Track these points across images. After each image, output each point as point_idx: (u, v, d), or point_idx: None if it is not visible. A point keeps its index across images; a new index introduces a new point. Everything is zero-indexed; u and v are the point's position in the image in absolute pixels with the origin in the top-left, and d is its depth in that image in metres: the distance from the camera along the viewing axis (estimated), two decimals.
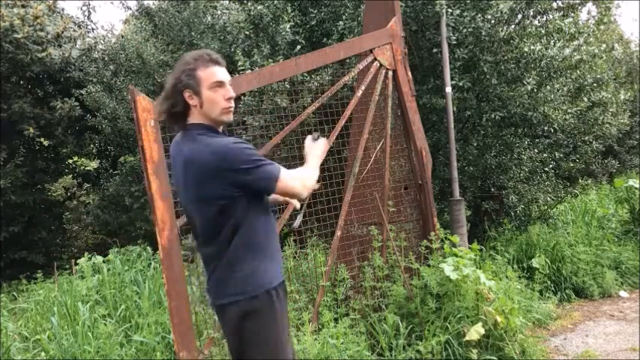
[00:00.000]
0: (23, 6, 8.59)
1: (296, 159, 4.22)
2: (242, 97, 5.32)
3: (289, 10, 6.00)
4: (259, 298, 2.04)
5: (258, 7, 6.06)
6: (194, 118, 2.06)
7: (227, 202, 1.99)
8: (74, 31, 9.63)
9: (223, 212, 1.99)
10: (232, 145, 1.96)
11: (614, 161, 10.50)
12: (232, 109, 2.08)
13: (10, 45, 8.04)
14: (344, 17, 5.92)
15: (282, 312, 2.10)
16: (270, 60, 5.60)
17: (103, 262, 5.52)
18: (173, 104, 2.04)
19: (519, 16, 5.82)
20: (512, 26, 5.93)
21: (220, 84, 2.04)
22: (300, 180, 2.12)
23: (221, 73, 2.06)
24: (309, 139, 2.42)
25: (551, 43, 5.95)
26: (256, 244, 2.06)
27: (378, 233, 4.24)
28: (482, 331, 3.70)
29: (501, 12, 5.56)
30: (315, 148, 2.37)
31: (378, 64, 4.36)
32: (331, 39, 5.89)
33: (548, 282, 5.58)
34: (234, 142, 1.98)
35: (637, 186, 7.49)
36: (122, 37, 9.14)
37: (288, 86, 5.38)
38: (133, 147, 8.22)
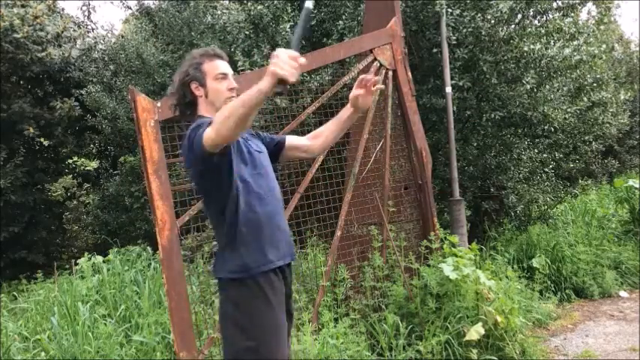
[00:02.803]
0: (23, 6, 8.59)
1: (295, 159, 4.22)
2: None
3: (289, 10, 6.00)
4: (238, 283, 2.12)
5: (258, 7, 6.06)
6: (201, 109, 2.23)
7: (200, 181, 2.14)
8: (74, 31, 9.64)
9: (205, 193, 2.17)
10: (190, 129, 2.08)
11: (614, 161, 10.50)
12: (234, 99, 2.19)
13: (10, 45, 8.04)
14: (344, 17, 5.92)
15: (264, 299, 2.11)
16: (270, 60, 5.60)
17: (103, 262, 5.52)
18: (182, 96, 2.22)
19: (519, 15, 5.82)
20: (512, 26, 5.92)
21: (224, 75, 2.22)
22: (215, 123, 1.93)
23: (224, 66, 2.25)
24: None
25: (551, 42, 5.94)
26: (244, 224, 2.11)
27: (378, 233, 4.24)
28: (482, 331, 3.69)
29: (501, 12, 5.56)
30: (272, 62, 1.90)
31: (378, 64, 4.36)
32: (331, 39, 5.89)
33: (548, 282, 5.57)
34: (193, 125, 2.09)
35: (637, 186, 7.49)
36: (122, 37, 9.14)
37: (287, 86, 5.37)
38: (133, 147, 8.22)
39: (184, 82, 2.21)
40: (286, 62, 1.82)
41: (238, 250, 2.11)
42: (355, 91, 2.39)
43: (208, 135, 1.92)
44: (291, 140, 2.53)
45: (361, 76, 2.39)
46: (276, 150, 2.46)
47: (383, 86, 2.51)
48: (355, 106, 2.41)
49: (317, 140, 2.54)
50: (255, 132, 2.47)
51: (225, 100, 2.19)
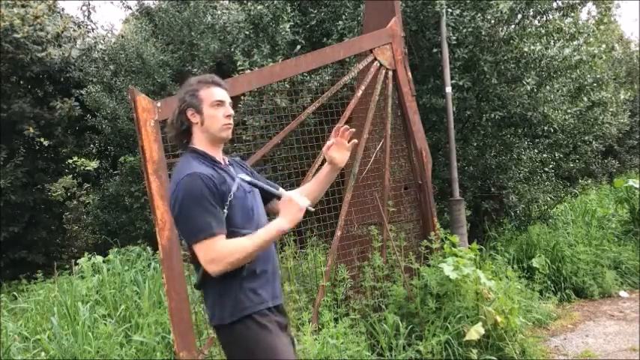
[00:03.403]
0: (23, 6, 8.59)
1: (296, 159, 4.23)
2: (242, 97, 5.32)
3: (289, 10, 6.00)
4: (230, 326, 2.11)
5: (258, 7, 6.06)
6: (196, 136, 2.21)
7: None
8: (74, 30, 9.64)
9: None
10: (183, 180, 2.04)
11: (614, 161, 10.50)
12: (231, 126, 2.21)
13: (10, 45, 8.04)
14: (344, 17, 5.92)
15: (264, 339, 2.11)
16: (269, 60, 5.60)
17: (103, 262, 5.52)
18: (179, 124, 2.21)
19: (519, 16, 5.82)
20: (512, 26, 5.93)
21: (220, 103, 2.19)
22: (216, 256, 2.00)
23: (221, 93, 2.21)
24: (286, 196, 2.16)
25: (551, 43, 5.95)
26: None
27: (378, 233, 4.24)
28: (482, 331, 3.70)
29: (501, 12, 5.56)
30: (283, 215, 2.08)
31: (378, 64, 4.36)
32: (331, 39, 5.89)
33: (548, 282, 5.58)
34: (187, 175, 2.04)
35: (637, 186, 7.49)
36: (122, 37, 9.13)
37: (287, 86, 5.38)
38: (133, 147, 8.22)
39: (181, 109, 2.19)
40: (297, 213, 2.04)
41: (233, 292, 2.10)
42: (328, 142, 2.29)
43: (211, 268, 1.99)
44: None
45: (336, 127, 2.30)
46: (269, 198, 2.36)
47: (356, 141, 2.35)
48: (331, 161, 2.29)
49: None
50: (239, 161, 2.38)
51: (222, 127, 2.17)
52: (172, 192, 2.07)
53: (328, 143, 2.30)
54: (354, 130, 2.32)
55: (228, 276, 2.05)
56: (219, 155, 2.21)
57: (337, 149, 2.29)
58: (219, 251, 1.98)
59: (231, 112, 2.22)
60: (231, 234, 2.05)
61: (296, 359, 2.21)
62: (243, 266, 2.06)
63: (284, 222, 2.04)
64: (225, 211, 2.06)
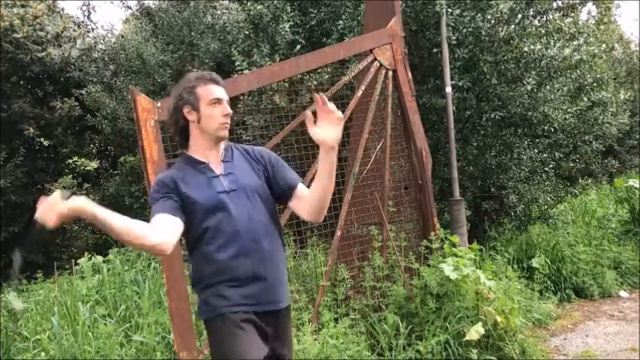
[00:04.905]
0: (23, 6, 8.59)
1: (296, 159, 4.22)
2: (242, 97, 5.32)
3: (289, 10, 6.00)
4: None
5: (258, 7, 6.06)
6: (193, 135, 2.16)
7: None
8: (74, 30, 9.64)
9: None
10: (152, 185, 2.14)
11: (614, 161, 10.49)
12: (228, 125, 2.15)
13: (9, 45, 8.04)
14: (344, 17, 5.92)
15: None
16: (269, 60, 5.60)
17: (103, 262, 5.51)
18: (175, 122, 2.16)
19: (519, 16, 5.82)
20: (512, 26, 5.92)
21: (218, 101, 2.12)
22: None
23: (219, 91, 2.14)
24: None
25: (551, 43, 5.94)
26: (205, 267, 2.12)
27: (378, 233, 4.24)
28: (482, 331, 3.69)
29: (501, 12, 5.56)
30: None
31: (378, 64, 4.36)
32: (331, 39, 5.89)
33: (548, 282, 5.58)
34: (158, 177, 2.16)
35: (637, 186, 7.49)
36: (122, 37, 9.13)
37: (287, 85, 5.38)
38: (133, 147, 8.21)
39: (177, 106, 2.13)
40: None
41: (203, 291, 2.14)
42: (308, 118, 1.96)
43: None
44: (302, 191, 2.18)
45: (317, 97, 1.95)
46: (284, 192, 2.19)
47: (341, 115, 1.91)
48: (323, 142, 1.94)
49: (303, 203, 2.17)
50: (255, 153, 2.23)
51: (219, 125, 2.10)
52: None
53: (310, 118, 1.96)
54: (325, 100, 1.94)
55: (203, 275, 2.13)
56: (214, 153, 2.15)
57: (326, 124, 1.93)
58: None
59: (229, 111, 2.15)
60: (197, 238, 2.09)
61: None
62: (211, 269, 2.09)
63: None
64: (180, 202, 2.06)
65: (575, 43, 6.15)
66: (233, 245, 2.05)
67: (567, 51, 5.93)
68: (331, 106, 1.93)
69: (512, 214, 6.81)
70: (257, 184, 2.15)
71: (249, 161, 2.20)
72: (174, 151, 3.59)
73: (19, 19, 8.14)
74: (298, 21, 6.27)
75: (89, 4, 10.21)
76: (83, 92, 8.29)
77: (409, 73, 4.51)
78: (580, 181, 8.85)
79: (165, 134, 3.48)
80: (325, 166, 2.02)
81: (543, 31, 5.87)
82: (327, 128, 1.93)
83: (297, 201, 2.17)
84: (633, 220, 7.27)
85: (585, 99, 6.57)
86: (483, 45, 5.66)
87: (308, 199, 2.12)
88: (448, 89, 5.19)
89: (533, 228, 6.42)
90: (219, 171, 2.13)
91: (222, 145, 2.19)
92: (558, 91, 6.15)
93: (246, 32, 6.12)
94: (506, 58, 5.76)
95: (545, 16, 5.95)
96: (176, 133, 2.19)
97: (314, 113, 1.99)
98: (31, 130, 8.23)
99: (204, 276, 2.10)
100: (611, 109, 7.12)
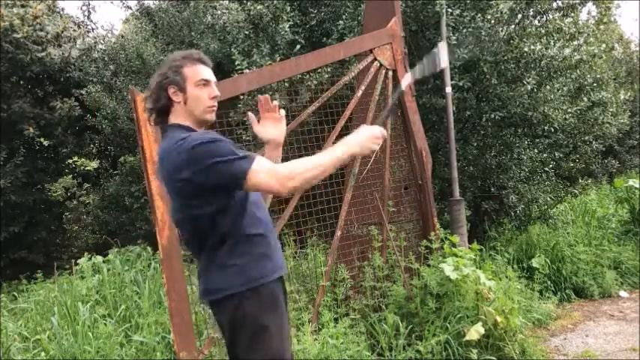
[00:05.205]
0: (23, 6, 8.59)
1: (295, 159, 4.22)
2: (242, 97, 5.32)
3: (289, 10, 6.00)
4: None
5: (258, 7, 6.06)
6: (176, 116, 2.04)
7: (199, 202, 1.94)
8: (74, 30, 9.64)
9: (198, 216, 1.96)
10: (185, 140, 1.90)
11: (614, 161, 10.49)
12: (215, 108, 2.07)
13: (9, 45, 8.05)
14: (344, 17, 5.92)
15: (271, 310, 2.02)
16: (269, 59, 5.60)
17: (103, 262, 5.52)
18: (156, 99, 2.03)
19: (519, 16, 5.82)
20: (512, 26, 5.92)
21: (206, 82, 2.04)
22: (276, 172, 1.86)
23: (207, 72, 2.06)
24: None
25: (551, 43, 5.94)
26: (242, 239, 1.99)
27: (378, 233, 4.24)
28: (482, 331, 3.69)
29: (501, 12, 5.55)
30: (355, 136, 1.96)
31: (378, 64, 4.36)
32: (331, 39, 5.89)
33: (548, 282, 5.57)
34: (199, 138, 1.89)
35: (637, 186, 7.49)
36: (122, 37, 9.13)
37: (287, 85, 5.38)
38: (133, 147, 8.22)
39: (162, 85, 2.02)
40: (373, 141, 1.93)
41: (242, 262, 1.99)
42: (252, 120, 2.07)
43: (268, 183, 1.84)
44: None
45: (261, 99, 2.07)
46: None
47: (284, 111, 2.13)
48: (268, 140, 2.09)
49: None
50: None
51: (206, 108, 2.03)
52: (176, 156, 1.87)
53: (252, 118, 2.07)
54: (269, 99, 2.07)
55: (239, 246, 1.97)
56: None
57: (269, 123, 2.06)
58: (284, 165, 1.87)
59: (217, 93, 2.06)
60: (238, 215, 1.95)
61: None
62: (255, 238, 1.98)
63: (356, 146, 1.92)
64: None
65: (575, 43, 6.15)
66: (263, 212, 2.07)
67: (567, 51, 5.93)
68: (274, 104, 2.05)
69: (512, 214, 6.81)
70: None
71: None
72: None
73: (19, 19, 8.14)
74: (298, 21, 6.27)
75: (89, 4, 10.23)
76: (83, 92, 8.29)
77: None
78: (580, 181, 8.84)
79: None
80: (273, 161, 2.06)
81: (543, 31, 5.87)
82: (269, 127, 2.07)
83: None
84: (633, 220, 7.26)
85: (585, 99, 6.57)
86: (483, 45, 5.66)
87: None
88: (448, 89, 5.18)
89: (533, 228, 6.42)
90: None
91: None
92: (558, 91, 6.15)
93: (246, 32, 6.12)
94: (506, 58, 5.76)
95: (545, 16, 5.95)
96: (154, 111, 2.06)
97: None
98: (31, 130, 8.23)
99: (251, 242, 2.00)
100: (611, 109, 7.12)
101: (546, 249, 5.88)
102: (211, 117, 2.06)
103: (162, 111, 2.04)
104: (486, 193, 6.64)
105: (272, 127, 2.05)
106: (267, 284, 1.99)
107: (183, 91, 2.01)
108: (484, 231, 6.62)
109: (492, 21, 5.61)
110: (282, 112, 2.06)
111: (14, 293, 6.40)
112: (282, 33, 5.87)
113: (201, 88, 2.02)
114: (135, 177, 8.06)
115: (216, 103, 2.06)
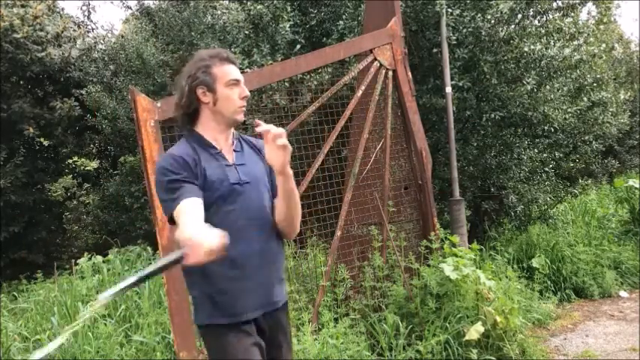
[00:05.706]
0: (23, 6, 8.59)
1: (296, 159, 4.23)
2: None
3: (289, 10, 6.00)
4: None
5: (258, 7, 6.06)
6: (204, 117, 1.99)
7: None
8: (74, 30, 9.64)
9: None
10: (161, 161, 1.92)
11: (614, 161, 10.49)
12: (245, 108, 2.03)
13: (9, 45, 8.05)
14: (344, 17, 5.92)
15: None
16: (269, 59, 5.60)
17: (103, 262, 5.52)
18: (187, 104, 1.97)
19: (519, 16, 5.82)
20: (512, 26, 5.92)
21: (236, 82, 1.98)
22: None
23: (236, 71, 2.00)
24: None
25: (551, 43, 5.94)
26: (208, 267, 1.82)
27: (378, 233, 4.24)
28: (482, 330, 3.69)
29: (501, 12, 5.56)
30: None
31: (378, 64, 4.36)
32: (331, 39, 5.89)
33: (548, 282, 5.57)
34: (157, 168, 1.92)
35: (637, 186, 7.49)
36: (122, 37, 9.14)
37: (287, 85, 5.38)
38: (133, 147, 8.22)
39: (191, 87, 1.93)
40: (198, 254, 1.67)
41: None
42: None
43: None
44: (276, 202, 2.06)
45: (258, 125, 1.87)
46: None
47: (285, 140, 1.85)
48: (268, 161, 1.90)
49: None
50: (260, 145, 2.07)
51: (236, 109, 1.97)
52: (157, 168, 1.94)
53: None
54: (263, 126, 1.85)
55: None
56: (223, 138, 2.01)
57: (272, 149, 1.84)
58: (182, 222, 1.83)
59: (248, 93, 2.00)
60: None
61: None
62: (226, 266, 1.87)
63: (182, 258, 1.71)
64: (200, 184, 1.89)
65: (575, 43, 6.15)
66: (241, 241, 1.89)
67: (567, 51, 5.93)
68: (275, 131, 1.81)
69: (512, 214, 6.81)
70: (265, 178, 2.05)
71: (257, 153, 2.08)
72: None
73: (19, 19, 8.14)
74: (298, 21, 6.28)
75: (89, 4, 10.21)
76: (83, 92, 8.29)
77: (409, 73, 4.51)
78: (580, 181, 8.85)
79: (166, 134, 3.48)
80: (280, 190, 1.96)
81: (543, 31, 5.87)
82: (272, 153, 1.84)
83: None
84: (633, 220, 7.26)
85: (585, 99, 6.57)
86: (483, 45, 5.66)
87: (275, 214, 2.04)
88: (448, 89, 5.19)
89: (533, 228, 6.42)
90: (232, 160, 1.99)
91: (233, 131, 2.05)
92: (558, 91, 6.15)
93: (246, 32, 6.12)
94: (506, 58, 5.76)
95: (545, 16, 5.94)
96: (185, 116, 1.99)
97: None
98: (31, 130, 8.23)
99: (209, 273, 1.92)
100: (611, 109, 7.12)
101: (546, 249, 5.89)
102: (241, 117, 2.01)
103: (193, 114, 1.99)
104: (486, 193, 6.64)
105: (274, 153, 1.85)
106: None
107: (212, 91, 1.95)
108: (484, 231, 6.62)
109: (492, 21, 5.61)
110: (282, 140, 1.80)
111: (14, 293, 6.40)
112: (283, 33, 5.87)
113: (231, 88, 1.96)
114: (135, 177, 8.06)
115: (245, 103, 2.01)
